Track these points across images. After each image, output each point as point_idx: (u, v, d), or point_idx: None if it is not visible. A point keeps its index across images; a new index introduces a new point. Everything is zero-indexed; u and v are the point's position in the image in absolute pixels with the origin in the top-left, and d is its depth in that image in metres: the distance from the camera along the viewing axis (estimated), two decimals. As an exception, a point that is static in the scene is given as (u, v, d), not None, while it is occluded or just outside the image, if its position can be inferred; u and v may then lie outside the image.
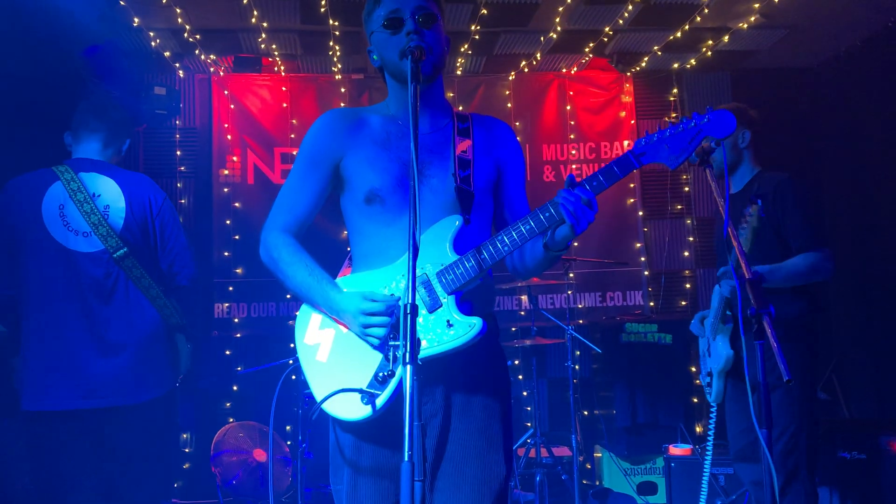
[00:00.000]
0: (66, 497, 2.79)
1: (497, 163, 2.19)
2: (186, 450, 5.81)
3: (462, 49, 5.74)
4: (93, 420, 2.79)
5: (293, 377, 4.70)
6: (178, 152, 6.05)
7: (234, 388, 5.91)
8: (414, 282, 1.62)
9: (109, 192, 2.99)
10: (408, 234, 1.64)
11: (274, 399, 2.16)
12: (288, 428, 5.75)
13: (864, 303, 5.45)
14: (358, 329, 1.95)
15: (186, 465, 5.75)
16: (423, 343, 1.91)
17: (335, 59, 5.88)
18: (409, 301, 1.60)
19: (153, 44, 5.43)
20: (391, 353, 1.93)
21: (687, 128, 1.93)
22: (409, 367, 1.56)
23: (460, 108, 6.13)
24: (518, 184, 2.24)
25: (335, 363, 2.01)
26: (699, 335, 3.79)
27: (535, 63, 6.16)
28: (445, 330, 1.92)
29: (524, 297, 6.11)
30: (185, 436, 5.81)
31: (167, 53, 5.62)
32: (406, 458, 1.51)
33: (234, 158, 6.10)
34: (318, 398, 1.98)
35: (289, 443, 5.35)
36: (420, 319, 1.93)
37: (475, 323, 1.91)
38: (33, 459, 2.80)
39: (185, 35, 5.30)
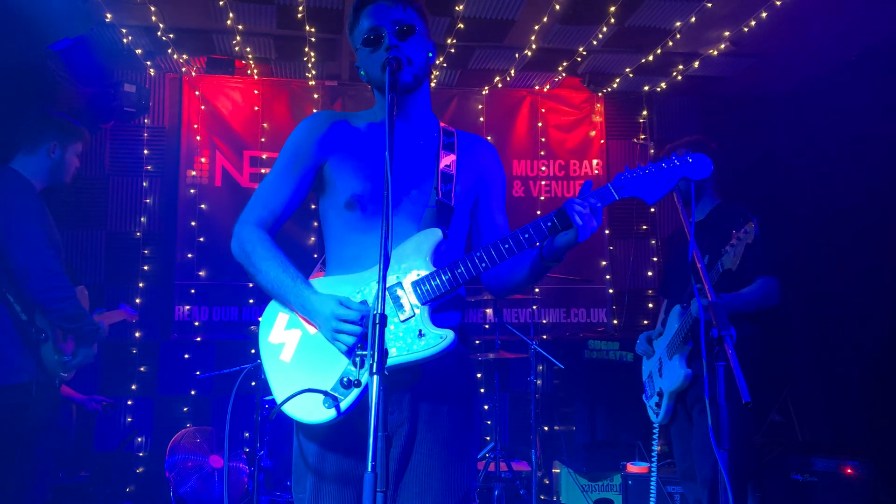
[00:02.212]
0: None
1: (479, 182, 2.21)
2: (140, 454, 5.71)
3: (437, 62, 5.77)
4: None
5: (252, 383, 4.65)
6: (146, 151, 5.97)
7: (192, 392, 5.83)
8: (384, 292, 1.62)
9: None
10: (381, 243, 1.65)
11: (230, 404, 2.13)
12: (246, 434, 5.69)
13: (819, 327, 5.57)
14: (328, 333, 1.94)
15: (140, 470, 5.65)
16: (393, 351, 1.91)
17: (310, 64, 5.87)
18: (379, 311, 1.61)
19: (125, 41, 5.36)
20: (358, 360, 1.92)
21: (668, 167, 1.99)
22: (375, 377, 1.56)
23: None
24: (499, 203, 2.27)
25: (299, 364, 1.99)
26: (644, 354, 3.83)
27: (508, 79, 6.22)
28: (416, 340, 1.92)
29: (489, 311, 6.13)
30: (139, 439, 5.71)
31: (139, 51, 5.56)
32: (369, 469, 1.51)
33: (203, 160, 6.04)
34: (278, 398, 1.95)
35: (246, 449, 5.29)
36: (391, 327, 1.93)
37: (446, 335, 1.92)
38: None
39: (159, 33, 5.25)
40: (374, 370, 1.56)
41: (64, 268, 3.26)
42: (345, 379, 1.91)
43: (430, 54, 2.13)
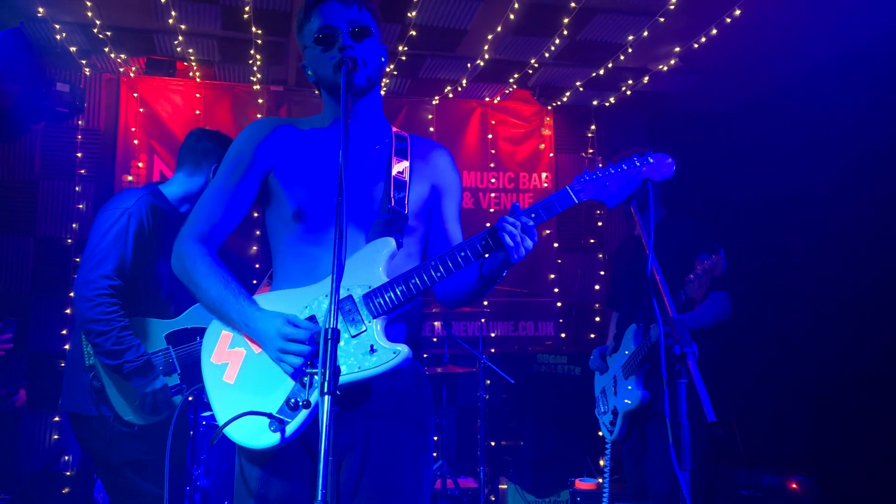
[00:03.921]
0: None
1: (433, 188, 2.12)
2: (68, 473, 5.40)
3: (388, 69, 5.66)
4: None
5: (190, 398, 4.43)
6: (79, 154, 5.69)
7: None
8: (337, 305, 1.51)
9: None
10: (333, 254, 1.53)
11: (172, 423, 1.98)
12: (181, 452, 5.43)
13: (761, 341, 5.63)
14: (273, 353, 1.82)
15: (66, 490, 5.34)
16: (343, 368, 1.80)
17: (255, 68, 5.69)
18: (332, 326, 1.49)
19: (59, 37, 5.09)
20: (306, 379, 1.80)
21: (629, 168, 1.93)
22: (327, 397, 1.44)
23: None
24: (454, 211, 2.18)
25: (243, 385, 1.87)
26: (597, 370, 3.78)
27: (459, 89, 6.15)
28: (367, 356, 1.82)
29: (437, 324, 6.03)
30: (66, 458, 5.40)
31: (73, 49, 5.29)
32: (319, 498, 1.39)
33: (140, 164, 5.79)
34: (221, 421, 1.83)
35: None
36: (341, 343, 1.81)
37: (400, 350, 1.81)
38: None
39: (95, 31, 5.00)
40: (326, 390, 1.44)
41: (117, 297, 2.89)
42: (292, 400, 1.80)
43: (383, 59, 2.05)
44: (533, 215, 1.86)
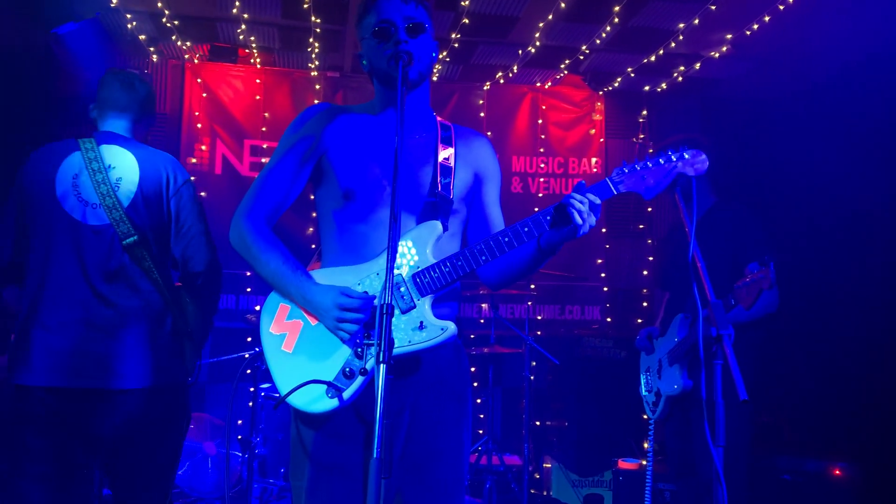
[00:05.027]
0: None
1: (475, 174, 2.25)
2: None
3: (440, 56, 5.79)
4: (75, 400, 2.61)
5: (248, 371, 4.67)
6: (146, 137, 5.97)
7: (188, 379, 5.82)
8: (391, 281, 1.66)
9: (125, 165, 2.75)
10: (385, 234, 1.67)
11: (233, 393, 2.15)
12: (239, 422, 5.71)
13: (809, 328, 5.62)
14: (331, 322, 1.96)
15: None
16: (394, 342, 1.95)
17: (313, 55, 5.88)
18: (386, 301, 1.64)
19: (129, 26, 5.36)
20: (361, 350, 1.96)
21: (665, 162, 2.02)
22: (382, 365, 1.60)
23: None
24: (495, 196, 2.31)
25: (301, 354, 2.02)
26: (643, 350, 3.88)
27: (510, 75, 6.24)
28: (417, 331, 1.97)
29: (485, 305, 6.16)
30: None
31: (142, 37, 5.55)
32: (375, 455, 1.54)
33: (203, 147, 6.04)
34: (281, 388, 1.99)
35: (240, 437, 5.32)
36: (393, 318, 1.96)
37: (447, 326, 1.96)
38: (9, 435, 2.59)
39: (164, 20, 5.25)
40: (382, 359, 1.59)
41: None
42: (347, 369, 1.95)
43: (434, 54, 2.17)
44: (591, 196, 1.95)
